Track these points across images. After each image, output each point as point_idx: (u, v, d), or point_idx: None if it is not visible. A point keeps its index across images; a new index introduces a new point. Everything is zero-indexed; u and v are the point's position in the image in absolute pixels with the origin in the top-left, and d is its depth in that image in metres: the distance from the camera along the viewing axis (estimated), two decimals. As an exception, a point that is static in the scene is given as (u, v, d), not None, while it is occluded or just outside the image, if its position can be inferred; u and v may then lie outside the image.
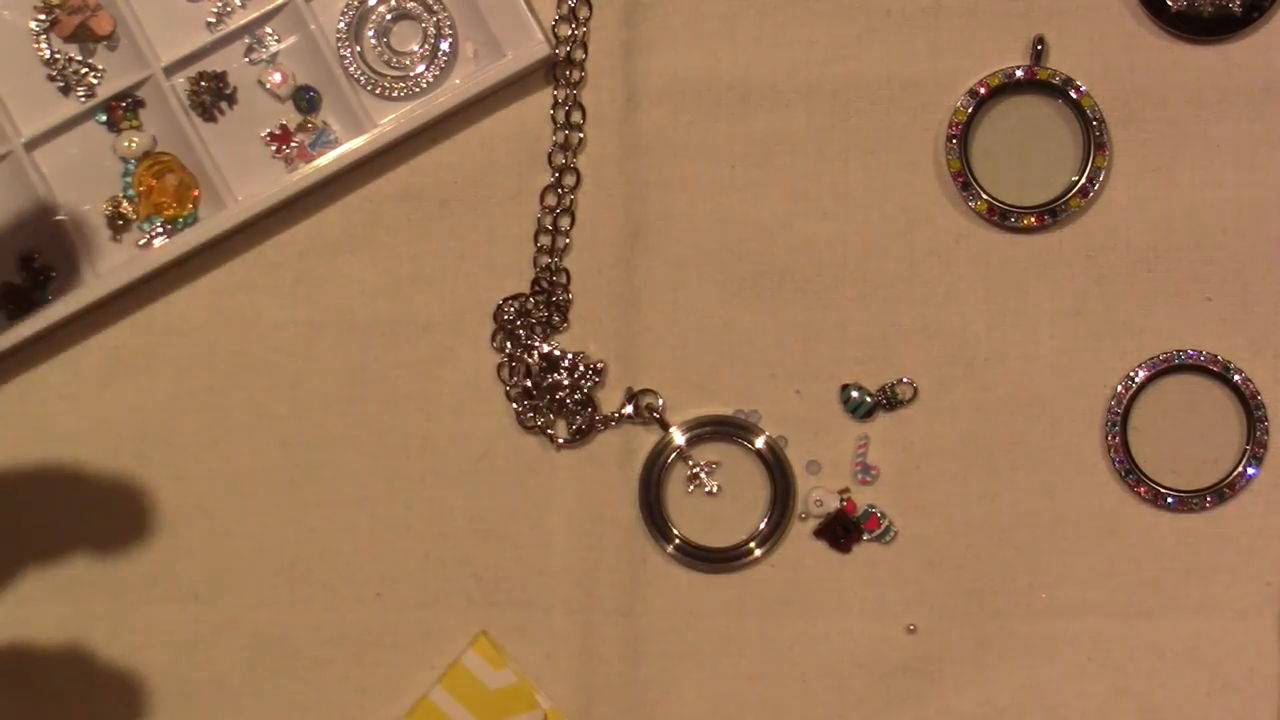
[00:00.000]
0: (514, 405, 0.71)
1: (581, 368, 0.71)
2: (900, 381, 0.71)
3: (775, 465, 0.71)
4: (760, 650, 0.71)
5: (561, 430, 0.71)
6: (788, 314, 0.72)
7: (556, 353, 0.71)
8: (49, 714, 0.72)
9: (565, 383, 0.71)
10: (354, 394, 0.72)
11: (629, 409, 0.71)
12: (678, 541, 0.71)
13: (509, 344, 0.72)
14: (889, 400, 0.71)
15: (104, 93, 0.71)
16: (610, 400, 0.72)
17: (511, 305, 0.71)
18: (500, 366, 0.72)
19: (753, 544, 0.71)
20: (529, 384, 0.71)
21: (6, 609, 0.72)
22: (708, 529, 0.71)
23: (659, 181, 0.72)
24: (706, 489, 0.71)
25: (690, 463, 0.71)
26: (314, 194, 0.72)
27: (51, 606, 0.72)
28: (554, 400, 0.71)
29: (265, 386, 0.72)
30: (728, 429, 0.71)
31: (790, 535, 0.71)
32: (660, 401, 0.71)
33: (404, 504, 0.72)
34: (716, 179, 0.72)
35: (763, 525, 0.71)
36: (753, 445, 0.71)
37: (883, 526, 0.71)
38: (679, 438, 0.71)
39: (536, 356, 0.71)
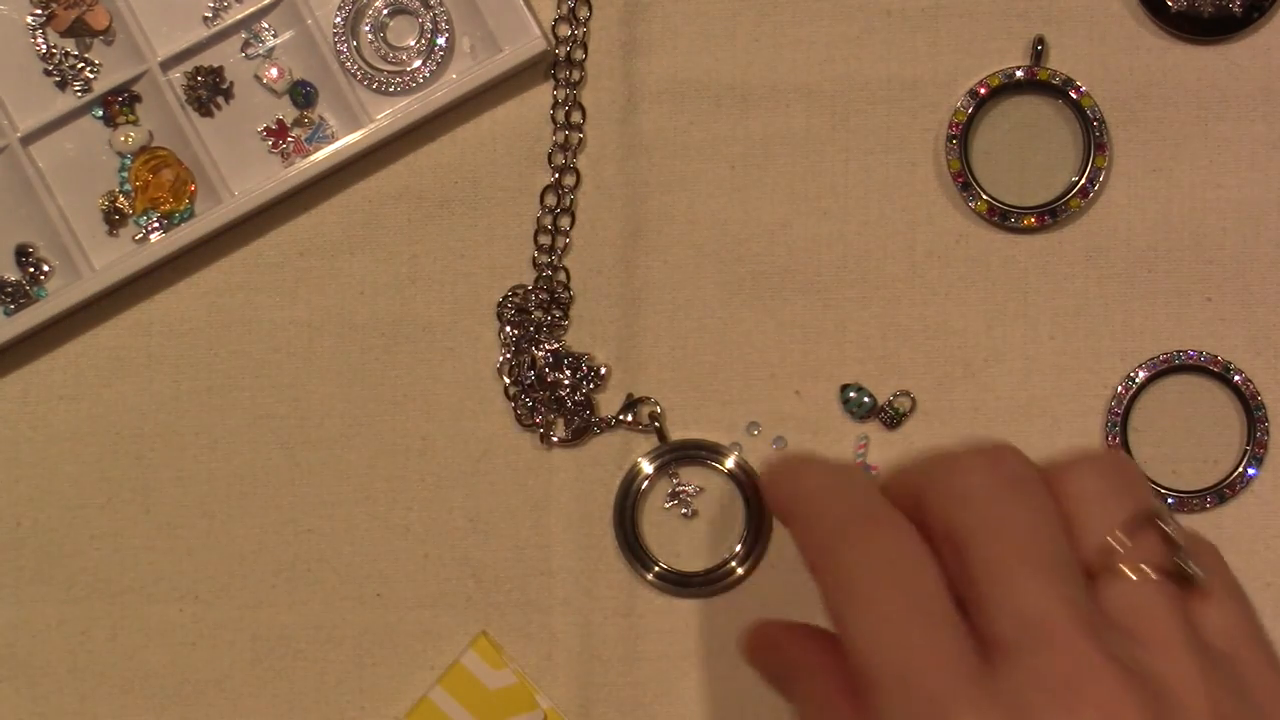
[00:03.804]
0: (512, 403, 0.71)
1: (585, 369, 0.71)
2: (897, 395, 0.71)
3: (748, 485, 0.71)
4: (760, 649, 0.71)
5: (560, 429, 0.71)
6: (788, 314, 0.72)
7: (561, 351, 0.71)
8: (49, 714, 0.72)
9: (567, 382, 0.71)
10: (354, 394, 0.72)
11: (630, 415, 0.71)
12: (658, 569, 0.71)
13: (515, 333, 0.71)
14: (892, 416, 0.71)
15: (100, 88, 0.71)
16: (610, 401, 0.72)
17: (513, 301, 0.71)
18: (501, 364, 0.72)
19: (733, 563, 0.71)
20: (532, 377, 0.71)
21: (6, 609, 0.72)
22: (687, 554, 0.71)
23: (659, 181, 0.72)
24: (683, 512, 0.71)
25: (675, 480, 0.71)
26: (312, 192, 0.72)
27: (51, 607, 0.72)
28: (555, 398, 0.71)
29: (265, 386, 0.72)
30: (697, 453, 0.71)
31: (784, 539, 0.71)
32: (659, 408, 0.71)
33: (404, 504, 0.72)
34: (716, 179, 0.72)
35: (739, 548, 0.71)
36: (724, 467, 0.71)
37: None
38: (647, 466, 0.71)
39: (544, 351, 0.71)
